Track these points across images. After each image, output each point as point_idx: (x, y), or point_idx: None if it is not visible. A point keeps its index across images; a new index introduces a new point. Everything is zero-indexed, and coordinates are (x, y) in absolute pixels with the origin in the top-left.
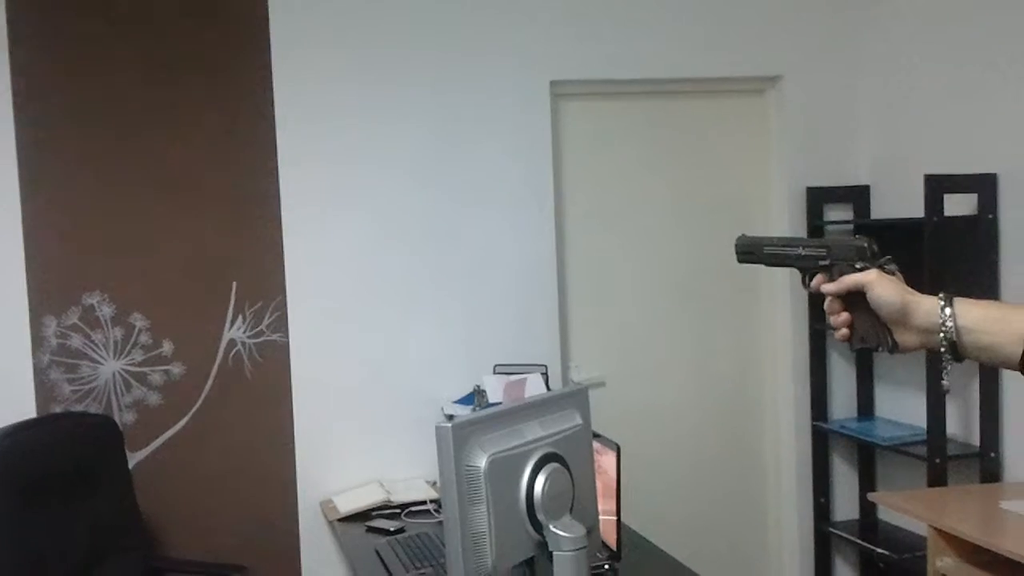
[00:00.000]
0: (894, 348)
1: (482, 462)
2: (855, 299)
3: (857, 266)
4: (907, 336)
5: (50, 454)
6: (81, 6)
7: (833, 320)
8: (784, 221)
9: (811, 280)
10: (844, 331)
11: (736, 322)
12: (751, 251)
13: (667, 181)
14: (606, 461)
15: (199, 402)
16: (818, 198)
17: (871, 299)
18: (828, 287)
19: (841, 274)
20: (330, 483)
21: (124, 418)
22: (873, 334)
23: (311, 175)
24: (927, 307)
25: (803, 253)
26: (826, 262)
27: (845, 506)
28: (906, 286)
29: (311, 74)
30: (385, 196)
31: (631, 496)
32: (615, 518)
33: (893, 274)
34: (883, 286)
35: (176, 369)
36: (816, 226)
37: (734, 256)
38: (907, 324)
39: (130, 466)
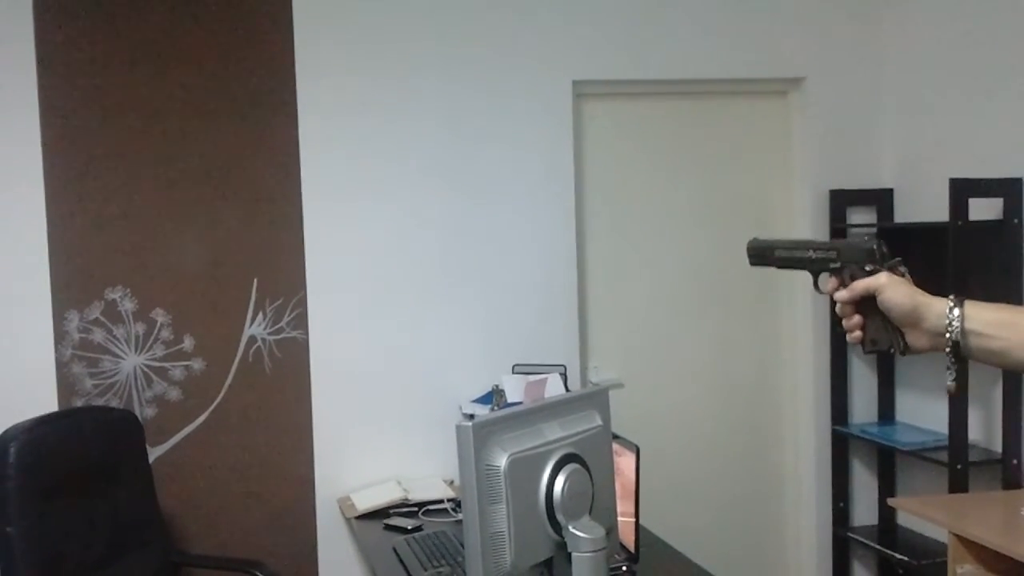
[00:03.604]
0: (905, 350)
1: (502, 462)
2: (867, 302)
3: (867, 268)
4: (918, 338)
5: (71, 448)
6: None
7: (845, 323)
8: (806, 224)
9: (821, 281)
10: (856, 334)
11: (757, 324)
12: (762, 254)
13: (689, 182)
14: (625, 462)
15: (219, 398)
16: (841, 201)
17: (882, 303)
18: (841, 295)
19: (852, 277)
20: (348, 480)
21: (145, 413)
22: (885, 337)
23: (333, 173)
24: (938, 310)
25: (813, 256)
26: (836, 265)
27: (864, 511)
28: (916, 288)
29: (334, 71)
30: (406, 194)
31: (649, 498)
32: (633, 520)
33: (903, 276)
34: (894, 290)
35: (197, 365)
36: (839, 229)
37: (746, 259)
38: (918, 327)
39: (150, 460)
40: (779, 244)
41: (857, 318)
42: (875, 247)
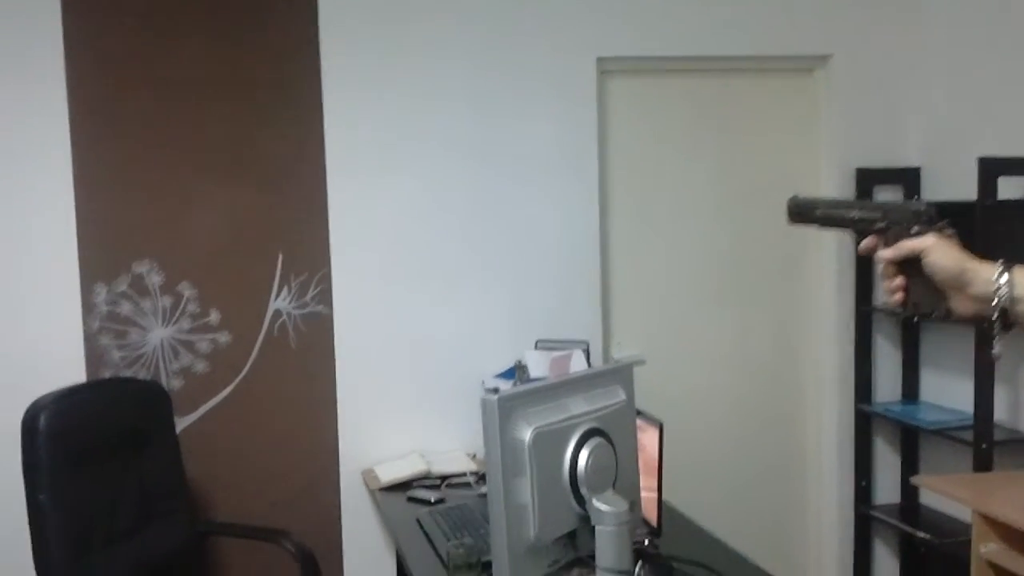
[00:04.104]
0: (947, 315)
1: (527, 435)
2: (911, 263)
3: (913, 231)
4: (963, 303)
5: (100, 418)
6: None
7: (887, 285)
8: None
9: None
10: (898, 296)
11: (781, 302)
12: (803, 212)
13: (713, 160)
14: (648, 438)
15: (245, 370)
16: (868, 179)
17: (927, 265)
18: (885, 253)
19: (897, 238)
20: (371, 453)
21: (171, 384)
22: (927, 300)
23: (357, 148)
24: (985, 275)
25: (858, 216)
26: (882, 225)
27: (887, 490)
28: (965, 253)
29: (358, 47)
30: (430, 171)
31: (671, 475)
32: (656, 495)
33: (950, 238)
34: (940, 253)
35: (223, 338)
36: None
37: (780, 228)
38: (964, 292)
39: (177, 431)
40: (821, 202)
41: (900, 279)
42: (923, 209)
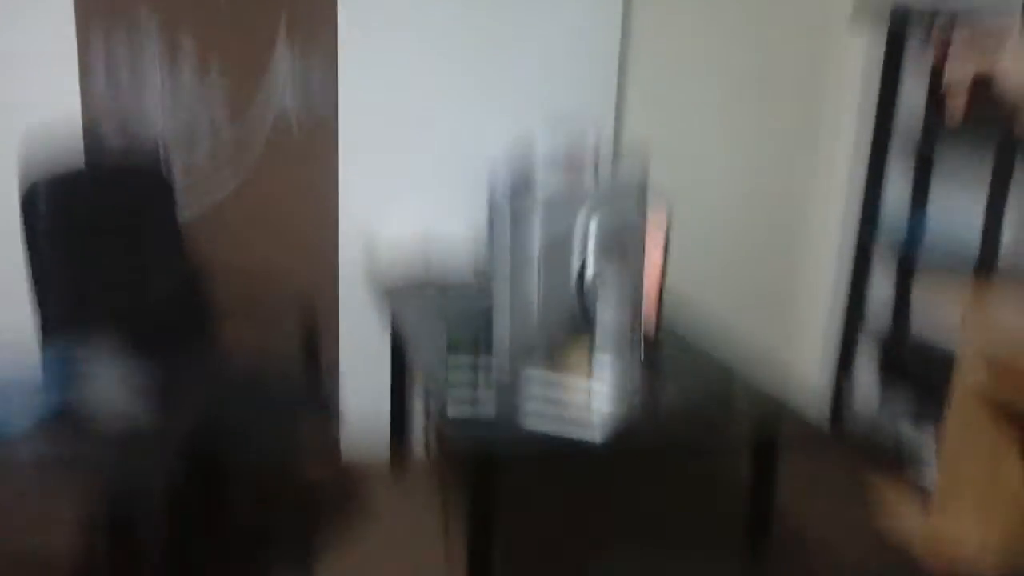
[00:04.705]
0: None
1: (536, 241)
2: None
3: None
4: None
5: (101, 198)
6: None
7: None
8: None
9: None
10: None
11: (801, 110)
12: None
13: None
14: (655, 220)
15: (250, 160)
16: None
17: None
18: None
19: None
20: (374, 236)
21: (174, 175)
22: None
23: None
24: None
25: None
26: None
27: (878, 315)
28: None
29: None
30: None
31: (675, 252)
32: (656, 305)
33: None
34: None
35: (225, 131)
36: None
37: (805, 44)
38: None
39: (179, 220)
40: None
41: None
42: None
